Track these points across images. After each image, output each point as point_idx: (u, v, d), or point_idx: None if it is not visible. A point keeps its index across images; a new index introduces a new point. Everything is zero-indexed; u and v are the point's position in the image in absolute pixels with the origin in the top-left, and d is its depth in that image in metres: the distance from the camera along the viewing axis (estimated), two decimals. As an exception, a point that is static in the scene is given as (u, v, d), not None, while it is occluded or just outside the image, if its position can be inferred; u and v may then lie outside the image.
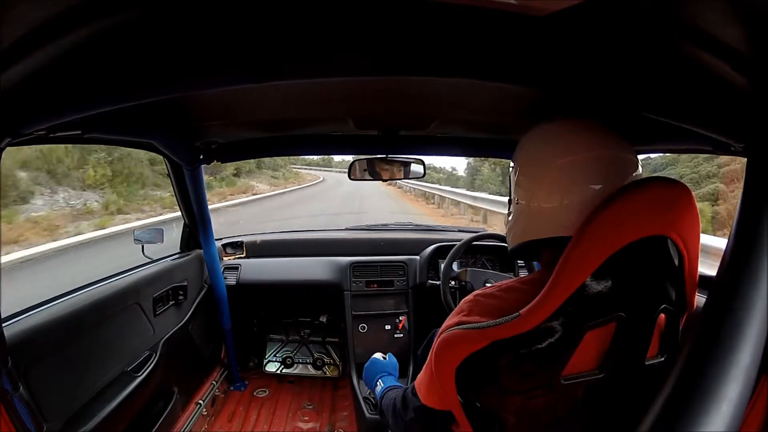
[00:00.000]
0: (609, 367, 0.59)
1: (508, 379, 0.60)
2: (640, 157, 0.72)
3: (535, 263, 1.68)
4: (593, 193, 0.60)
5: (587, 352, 0.58)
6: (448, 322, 0.70)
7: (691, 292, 0.60)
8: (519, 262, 1.82)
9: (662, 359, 0.61)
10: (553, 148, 0.65)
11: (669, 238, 0.56)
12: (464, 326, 0.62)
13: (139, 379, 1.22)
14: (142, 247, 1.58)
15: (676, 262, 0.58)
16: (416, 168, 1.57)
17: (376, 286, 1.86)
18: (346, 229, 2.37)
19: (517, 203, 0.71)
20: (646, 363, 0.60)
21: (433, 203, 12.12)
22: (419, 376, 0.78)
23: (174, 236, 1.77)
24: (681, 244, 0.57)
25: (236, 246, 2.05)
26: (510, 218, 0.74)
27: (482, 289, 0.69)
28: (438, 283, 1.46)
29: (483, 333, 0.59)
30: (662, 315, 0.59)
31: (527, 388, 0.59)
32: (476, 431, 0.65)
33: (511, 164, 0.75)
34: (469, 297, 0.69)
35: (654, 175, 0.62)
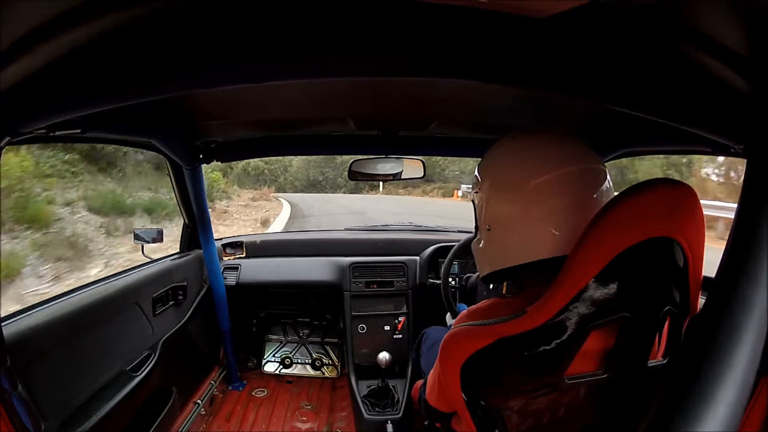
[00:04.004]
0: (612, 368, 0.59)
1: (513, 378, 0.60)
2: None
3: None
4: (571, 210, 0.61)
5: (591, 352, 0.58)
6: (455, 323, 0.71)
7: (695, 295, 0.60)
8: None
9: (664, 361, 0.61)
10: (525, 168, 0.64)
11: (674, 240, 0.56)
12: (471, 323, 0.63)
13: (137, 379, 1.21)
14: (142, 246, 1.58)
15: (681, 265, 0.58)
16: (416, 169, 1.57)
17: (375, 286, 1.86)
18: (346, 230, 2.37)
19: (488, 230, 0.69)
20: (649, 365, 0.60)
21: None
22: (429, 375, 0.80)
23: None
24: (686, 246, 0.57)
25: (236, 246, 2.05)
26: (480, 245, 0.72)
27: (474, 306, 0.69)
28: (438, 282, 1.46)
29: (489, 329, 0.60)
30: (666, 317, 0.60)
31: (531, 388, 0.59)
32: (479, 430, 0.65)
33: (475, 189, 0.73)
34: (463, 313, 0.69)
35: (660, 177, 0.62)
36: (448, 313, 1.30)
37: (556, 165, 0.62)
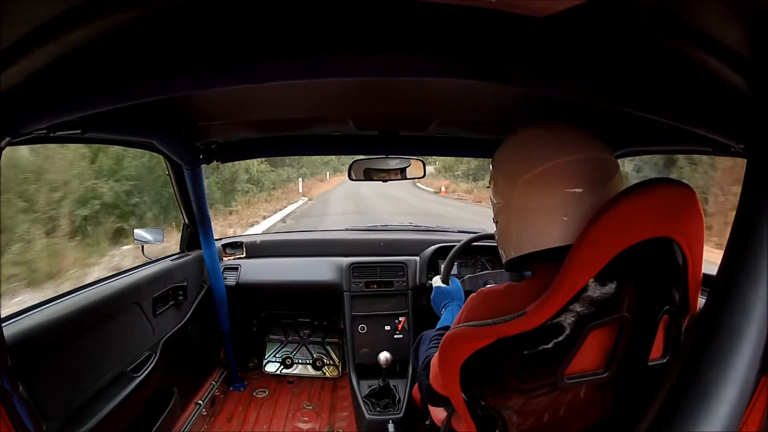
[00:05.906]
0: (612, 367, 0.59)
1: (513, 378, 0.60)
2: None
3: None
4: (572, 199, 0.61)
5: (591, 351, 0.58)
6: (456, 318, 0.71)
7: (694, 295, 0.61)
8: None
9: (665, 360, 0.61)
10: (519, 163, 0.66)
11: (673, 240, 0.56)
12: (470, 324, 0.63)
13: (138, 380, 1.21)
14: (142, 247, 1.58)
15: (680, 264, 0.58)
16: (416, 168, 1.57)
17: (375, 286, 1.86)
18: (346, 230, 2.37)
19: (496, 222, 0.72)
20: (649, 364, 0.60)
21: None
22: (434, 356, 0.80)
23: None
24: (685, 247, 0.57)
25: (236, 246, 2.05)
26: (497, 236, 0.75)
27: (489, 287, 0.69)
28: None
29: (489, 330, 0.60)
30: (665, 316, 0.59)
31: (531, 387, 0.59)
32: (479, 429, 0.65)
33: (488, 185, 0.76)
34: (475, 294, 0.69)
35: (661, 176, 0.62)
36: (437, 277, 1.26)
37: (550, 157, 0.63)
